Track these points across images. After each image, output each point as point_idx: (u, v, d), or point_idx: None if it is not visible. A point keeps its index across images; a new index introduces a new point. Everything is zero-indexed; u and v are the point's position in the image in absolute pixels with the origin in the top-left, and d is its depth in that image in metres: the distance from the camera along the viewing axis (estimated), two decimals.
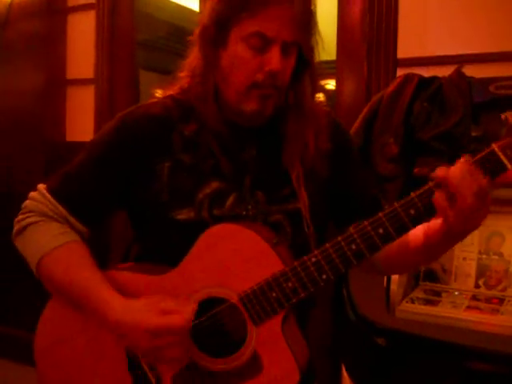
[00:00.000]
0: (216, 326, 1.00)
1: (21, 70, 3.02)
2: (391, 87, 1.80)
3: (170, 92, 1.12)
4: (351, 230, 0.93)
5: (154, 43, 4.26)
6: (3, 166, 3.10)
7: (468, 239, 1.75)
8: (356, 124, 1.83)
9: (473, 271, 1.71)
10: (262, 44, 0.99)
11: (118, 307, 0.97)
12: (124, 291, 1.01)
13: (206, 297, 0.98)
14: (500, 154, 0.86)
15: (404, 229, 0.91)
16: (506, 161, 0.86)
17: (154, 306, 0.95)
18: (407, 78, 1.80)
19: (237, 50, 1.00)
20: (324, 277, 0.94)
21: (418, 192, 0.90)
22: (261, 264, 0.96)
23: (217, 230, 0.99)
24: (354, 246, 0.92)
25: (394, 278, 1.61)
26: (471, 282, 1.71)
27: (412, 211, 0.89)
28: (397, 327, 1.50)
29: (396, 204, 0.91)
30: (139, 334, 0.93)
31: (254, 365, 0.96)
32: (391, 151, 1.74)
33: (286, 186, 1.07)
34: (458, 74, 1.72)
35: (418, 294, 1.68)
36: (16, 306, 3.01)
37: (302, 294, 0.94)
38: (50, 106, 3.00)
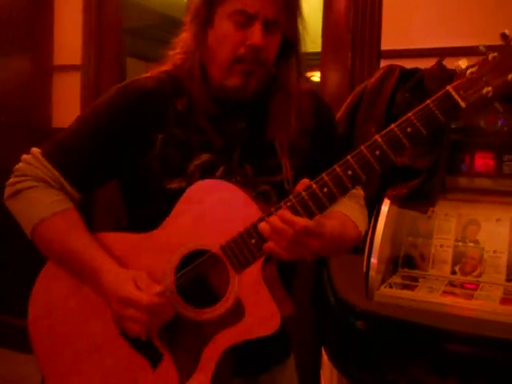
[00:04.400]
0: (200, 278, 1.04)
1: (7, 55, 3.00)
2: (374, 78, 1.85)
3: (163, 68, 1.15)
4: (323, 174, 0.97)
5: (141, 31, 4.26)
6: None
7: (445, 227, 1.81)
8: (340, 113, 1.87)
9: (449, 258, 1.77)
10: (245, 20, 1.03)
11: (111, 274, 1.03)
12: (111, 251, 1.06)
13: (191, 250, 1.03)
14: (454, 93, 0.92)
15: (371, 169, 0.95)
16: (459, 99, 0.92)
17: (135, 279, 1.01)
18: (389, 69, 1.84)
19: (221, 27, 1.05)
20: None
21: (381, 133, 0.95)
22: (242, 214, 1.00)
23: (199, 185, 1.03)
24: (325, 189, 0.96)
25: (373, 263, 1.66)
26: (448, 268, 1.76)
27: (377, 152, 0.94)
28: (375, 311, 1.55)
29: (362, 146, 0.95)
30: (114, 300, 1.01)
31: (237, 311, 1.00)
32: None
33: (272, 159, 1.12)
34: (439, 66, 1.76)
35: (396, 279, 1.73)
36: (16, 295, 3.01)
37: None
38: (37, 92, 2.99)
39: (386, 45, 2.16)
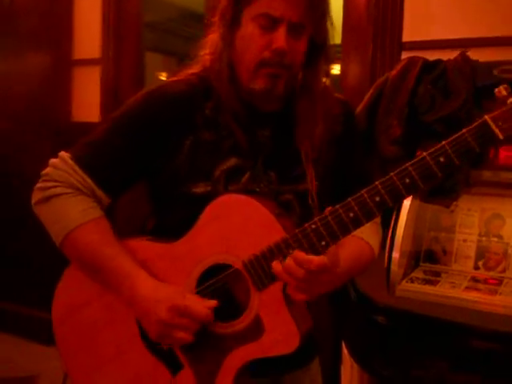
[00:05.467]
0: (221, 292, 1.04)
1: (27, 51, 3.02)
2: (396, 70, 1.81)
3: (193, 70, 1.15)
4: (349, 199, 0.96)
5: (160, 25, 4.26)
6: (12, 148, 3.12)
7: (468, 221, 1.78)
8: (360, 106, 1.84)
9: (472, 253, 1.74)
10: (270, 24, 1.03)
11: (150, 285, 1.03)
12: (135, 259, 1.07)
13: (212, 263, 1.03)
14: (492, 124, 0.90)
15: (399, 196, 0.94)
16: (497, 131, 0.90)
17: (182, 291, 1.03)
18: (411, 61, 1.81)
19: (247, 30, 1.05)
20: (323, 243, 0.97)
21: (412, 161, 0.93)
22: (265, 233, 1.00)
23: (223, 200, 1.03)
24: (351, 214, 0.96)
25: (395, 257, 1.64)
26: (471, 263, 1.73)
27: (407, 180, 0.93)
28: (397, 306, 1.53)
29: (391, 173, 0.94)
30: (166, 306, 1.00)
31: (257, 328, 1.01)
32: (395, 133, 1.76)
33: (297, 167, 1.11)
34: (462, 57, 1.73)
35: (417, 274, 1.70)
36: (24, 283, 3.05)
37: None
38: (57, 87, 3.01)
39: (407, 36, 2.12)
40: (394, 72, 1.81)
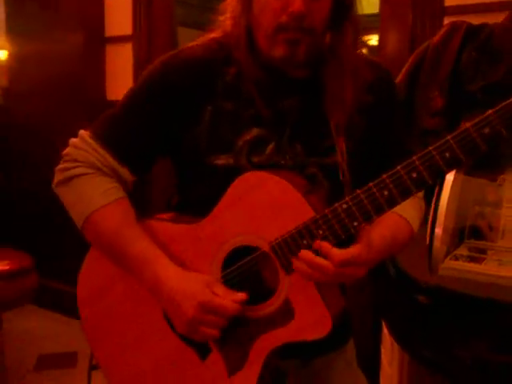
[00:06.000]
0: (248, 275, 1.00)
1: (59, 30, 3.02)
2: (437, 37, 1.72)
3: (213, 35, 1.09)
4: (384, 175, 0.90)
5: (192, 0, 4.20)
6: (47, 128, 3.14)
7: None
8: (399, 77, 1.76)
9: None
10: None
11: (174, 275, 0.99)
12: (157, 240, 1.03)
13: (238, 245, 0.99)
14: None
15: (439, 172, 0.86)
16: None
17: (208, 284, 0.98)
18: (454, 26, 1.71)
19: None
20: (355, 224, 0.92)
21: (454, 133, 0.86)
22: (292, 212, 0.95)
23: (247, 177, 0.98)
24: (386, 192, 0.89)
25: (438, 234, 1.57)
26: None
27: (447, 154, 0.85)
28: (440, 284, 1.47)
29: (430, 147, 0.87)
30: (192, 304, 0.96)
31: (286, 312, 0.97)
32: (436, 105, 1.67)
33: (325, 139, 1.04)
34: (511, 19, 1.62)
35: (462, 251, 1.63)
36: (63, 260, 3.10)
37: (333, 242, 0.93)
38: (90, 65, 3.01)
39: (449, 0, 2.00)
40: (435, 39, 1.72)
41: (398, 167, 0.89)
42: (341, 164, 1.03)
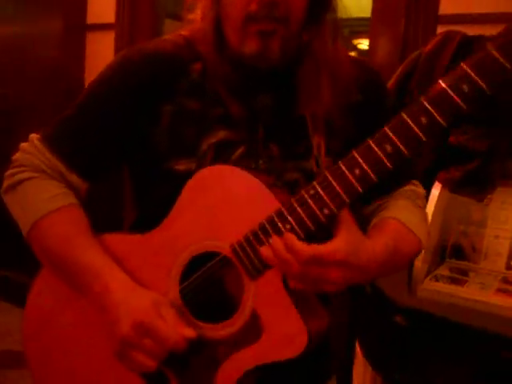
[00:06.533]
0: (210, 286, 0.88)
1: (37, 13, 2.91)
2: (430, 45, 1.64)
3: (182, 31, 1.00)
4: (353, 152, 0.78)
5: None
6: (23, 116, 3.04)
7: (502, 216, 1.62)
8: (389, 85, 1.68)
9: (505, 251, 1.58)
10: None
11: (122, 288, 0.88)
12: (110, 253, 0.92)
13: (197, 253, 0.87)
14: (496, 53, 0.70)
15: (415, 141, 0.75)
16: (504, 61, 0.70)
17: (157, 304, 0.85)
18: (448, 35, 1.64)
19: None
20: (326, 211, 0.79)
21: (427, 95, 0.75)
22: (255, 207, 0.83)
23: (202, 174, 0.87)
24: (357, 170, 0.77)
25: None
26: (502, 262, 1.58)
27: (423, 119, 0.74)
28: (418, 307, 1.40)
29: (403, 113, 0.75)
30: (129, 321, 0.84)
31: (254, 327, 0.84)
32: None
33: (304, 140, 0.93)
34: (506, 32, 1.55)
35: (443, 271, 1.56)
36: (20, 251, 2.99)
37: (302, 236, 0.80)
38: (70, 52, 2.90)
39: (444, 8, 1.93)
40: (428, 47, 1.65)
41: (369, 140, 0.77)
42: (315, 157, 0.92)
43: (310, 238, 0.81)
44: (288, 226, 0.80)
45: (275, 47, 0.87)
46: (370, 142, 0.77)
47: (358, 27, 3.87)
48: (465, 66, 0.72)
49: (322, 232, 0.81)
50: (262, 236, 0.82)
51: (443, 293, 1.42)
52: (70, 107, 0.98)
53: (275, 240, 0.80)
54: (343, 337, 1.88)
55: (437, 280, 1.49)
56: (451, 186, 1.56)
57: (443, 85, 0.74)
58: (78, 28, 2.88)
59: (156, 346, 0.83)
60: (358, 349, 1.62)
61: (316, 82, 0.92)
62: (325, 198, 0.79)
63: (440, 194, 1.55)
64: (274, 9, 0.84)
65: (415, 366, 1.41)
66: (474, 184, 1.54)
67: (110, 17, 2.74)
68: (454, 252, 1.65)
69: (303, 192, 0.80)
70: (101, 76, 0.98)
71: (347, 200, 0.78)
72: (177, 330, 0.83)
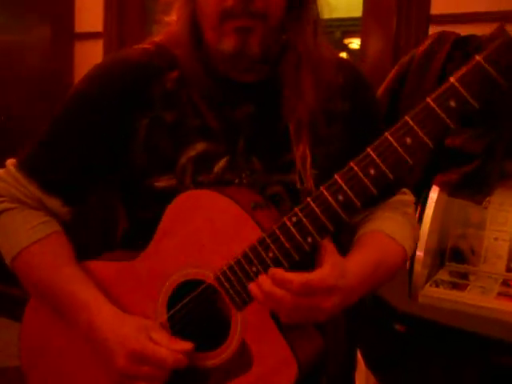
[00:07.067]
0: (197, 314, 0.86)
1: (25, 22, 2.87)
2: (423, 46, 1.62)
3: (154, 38, 0.96)
4: (336, 175, 0.75)
5: None
6: (11, 124, 2.99)
7: (501, 217, 1.60)
8: (382, 88, 1.66)
9: (505, 253, 1.57)
10: None
11: (109, 319, 0.86)
12: (95, 281, 0.90)
13: (181, 280, 0.85)
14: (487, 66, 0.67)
15: (399, 165, 0.72)
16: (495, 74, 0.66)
17: (145, 328, 0.84)
18: (441, 36, 1.61)
19: None
20: (309, 240, 0.76)
21: (412, 113, 0.71)
22: (237, 234, 0.81)
23: (182, 199, 0.84)
24: (340, 197, 0.74)
25: (419, 257, 1.47)
26: (502, 264, 1.56)
27: (408, 140, 0.70)
28: (419, 314, 1.37)
29: (387, 133, 0.72)
30: (122, 352, 0.82)
31: (244, 357, 0.82)
32: None
33: (288, 152, 0.90)
34: (501, 32, 1.53)
35: (442, 275, 1.54)
36: None
37: (287, 265, 0.78)
38: (58, 61, 2.86)
39: (436, 8, 1.91)
40: (421, 49, 1.62)
41: (352, 163, 0.74)
42: (299, 171, 0.88)
43: (294, 267, 0.78)
44: (271, 255, 0.78)
45: (254, 44, 0.84)
46: (353, 165, 0.74)
47: (349, 27, 3.85)
48: (453, 80, 0.69)
49: (305, 260, 0.79)
50: (245, 265, 0.80)
51: (444, 299, 1.40)
52: (45, 127, 0.95)
53: (263, 277, 0.77)
54: (343, 343, 1.86)
55: (437, 286, 1.47)
56: (449, 189, 1.54)
57: (428, 100, 0.71)
58: (66, 37, 2.83)
59: (155, 370, 0.81)
60: (359, 355, 1.59)
61: (297, 77, 0.88)
62: (308, 226, 0.76)
63: (438, 197, 1.53)
64: (250, 4, 0.81)
65: (418, 375, 1.39)
66: (471, 186, 1.52)
67: (98, 25, 2.71)
68: (453, 255, 1.63)
69: (285, 219, 0.77)
70: (71, 95, 0.94)
71: (331, 228, 0.76)
72: (172, 347, 0.81)
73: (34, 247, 0.90)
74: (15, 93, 2.99)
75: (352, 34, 4.04)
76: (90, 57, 2.79)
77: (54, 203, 0.92)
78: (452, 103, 0.68)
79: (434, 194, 1.54)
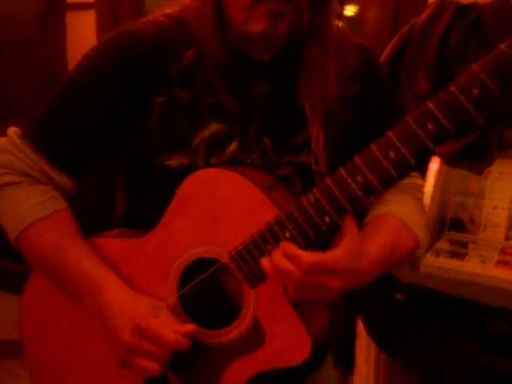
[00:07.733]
0: (209, 292, 0.86)
1: None
2: (424, 15, 1.60)
3: (168, 10, 0.92)
4: (356, 157, 0.74)
5: None
6: (2, 98, 2.95)
7: (499, 186, 1.61)
8: (383, 56, 1.64)
9: (503, 221, 1.58)
10: None
11: (119, 296, 0.86)
12: (104, 259, 0.89)
13: (193, 259, 0.84)
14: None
15: (421, 150, 0.71)
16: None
17: (153, 307, 0.84)
18: (442, 4, 1.59)
19: None
20: (327, 219, 0.76)
21: (435, 99, 0.70)
22: (253, 213, 0.80)
23: (196, 177, 0.83)
24: (360, 178, 0.74)
25: None
26: (501, 233, 1.58)
27: (430, 126, 0.70)
28: (420, 283, 1.39)
29: (408, 117, 0.71)
30: (128, 327, 0.82)
31: (256, 335, 0.82)
32: (421, 88, 1.57)
33: (300, 133, 0.89)
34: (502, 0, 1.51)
35: (443, 244, 1.55)
36: None
37: (303, 244, 0.78)
38: (50, 32, 2.80)
39: None
40: (421, 17, 1.61)
41: (372, 145, 0.73)
42: (314, 151, 0.88)
43: (311, 246, 0.78)
44: (288, 235, 0.78)
45: (282, 29, 0.82)
46: (374, 148, 0.73)
47: None
48: (475, 67, 0.68)
49: (322, 239, 0.79)
50: (261, 244, 0.79)
51: (444, 268, 1.42)
52: (51, 96, 0.91)
53: (276, 250, 0.77)
54: (342, 312, 1.88)
55: (438, 255, 1.48)
56: (449, 160, 1.55)
57: (451, 88, 0.69)
58: (58, 7, 2.77)
59: (156, 347, 0.81)
60: (360, 325, 1.62)
61: (323, 68, 0.87)
62: (326, 207, 0.76)
63: (439, 168, 1.54)
64: None
65: (419, 343, 1.42)
66: (471, 157, 1.52)
67: None
68: (453, 224, 1.64)
69: (303, 199, 0.77)
70: (83, 63, 0.91)
71: (349, 208, 0.75)
72: (174, 328, 0.82)
73: (43, 222, 0.88)
74: (7, 65, 2.94)
75: (347, 1, 3.98)
76: (81, 27, 2.74)
77: (62, 178, 0.90)
78: (475, 91, 0.67)
79: (434, 165, 1.55)
